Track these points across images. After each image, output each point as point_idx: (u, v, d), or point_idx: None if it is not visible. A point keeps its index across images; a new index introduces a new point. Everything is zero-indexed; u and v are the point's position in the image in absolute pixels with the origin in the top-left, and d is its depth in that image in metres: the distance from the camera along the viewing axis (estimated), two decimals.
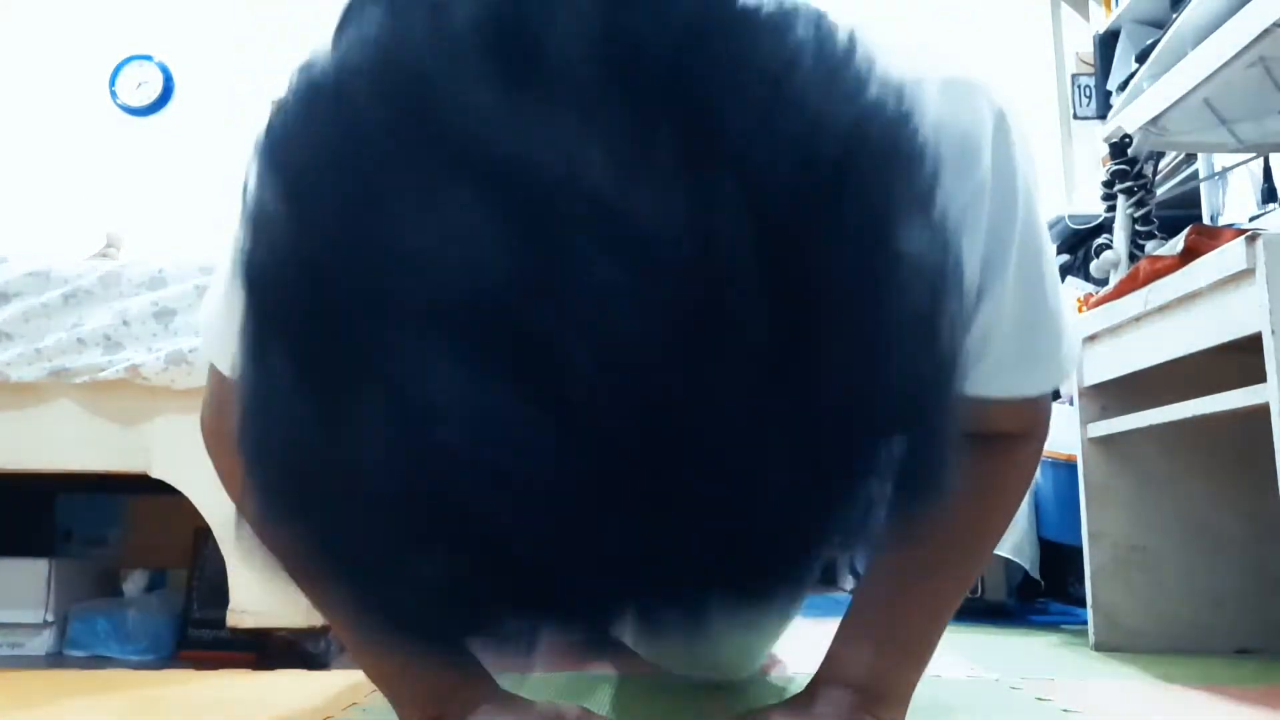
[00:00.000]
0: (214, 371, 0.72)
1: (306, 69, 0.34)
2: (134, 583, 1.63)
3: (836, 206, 0.33)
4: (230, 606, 1.31)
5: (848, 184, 0.33)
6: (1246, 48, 1.37)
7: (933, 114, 0.44)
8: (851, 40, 0.35)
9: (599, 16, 0.32)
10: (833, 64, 0.34)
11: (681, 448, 0.32)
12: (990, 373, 0.65)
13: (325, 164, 0.33)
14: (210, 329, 0.70)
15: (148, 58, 3.86)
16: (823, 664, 0.71)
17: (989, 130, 0.60)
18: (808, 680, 0.71)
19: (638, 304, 0.31)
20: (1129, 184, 1.76)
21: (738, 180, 0.31)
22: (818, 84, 0.33)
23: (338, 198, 0.32)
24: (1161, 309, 1.32)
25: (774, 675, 1.23)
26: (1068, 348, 0.69)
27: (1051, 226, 3.14)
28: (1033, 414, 0.74)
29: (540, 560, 0.33)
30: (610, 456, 0.32)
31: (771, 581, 0.38)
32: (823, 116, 0.33)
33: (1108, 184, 1.81)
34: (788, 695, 0.71)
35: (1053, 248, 0.69)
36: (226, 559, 1.33)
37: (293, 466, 0.35)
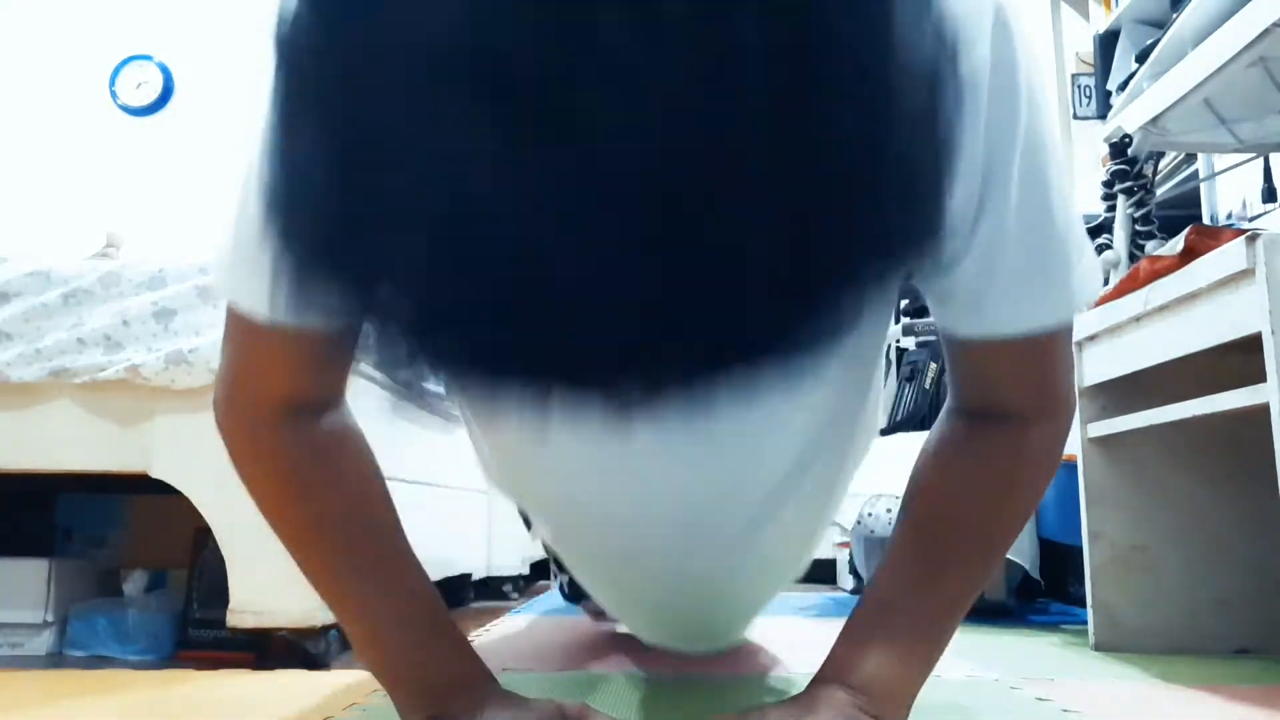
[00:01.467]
0: (234, 322, 0.69)
1: None
2: (134, 583, 1.63)
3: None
4: (230, 606, 1.31)
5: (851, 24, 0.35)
6: (1246, 48, 1.37)
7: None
8: None
9: None
10: None
11: (688, 199, 0.34)
12: (994, 302, 0.62)
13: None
14: (227, 266, 0.67)
15: (148, 58, 3.86)
16: (825, 664, 0.70)
17: (989, 19, 0.56)
18: (808, 680, 0.71)
19: (650, 62, 0.33)
20: (1129, 184, 1.76)
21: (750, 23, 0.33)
22: None
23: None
24: (1161, 309, 1.32)
25: (774, 675, 1.23)
26: (1082, 273, 0.63)
27: None
28: (1049, 378, 0.69)
29: (551, 305, 0.36)
30: (619, 206, 0.34)
31: (766, 351, 0.39)
32: None
33: (1108, 184, 1.82)
34: (788, 696, 0.71)
35: (1062, 158, 0.63)
36: (226, 559, 1.33)
37: (329, 219, 0.38)
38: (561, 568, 1.53)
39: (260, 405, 0.72)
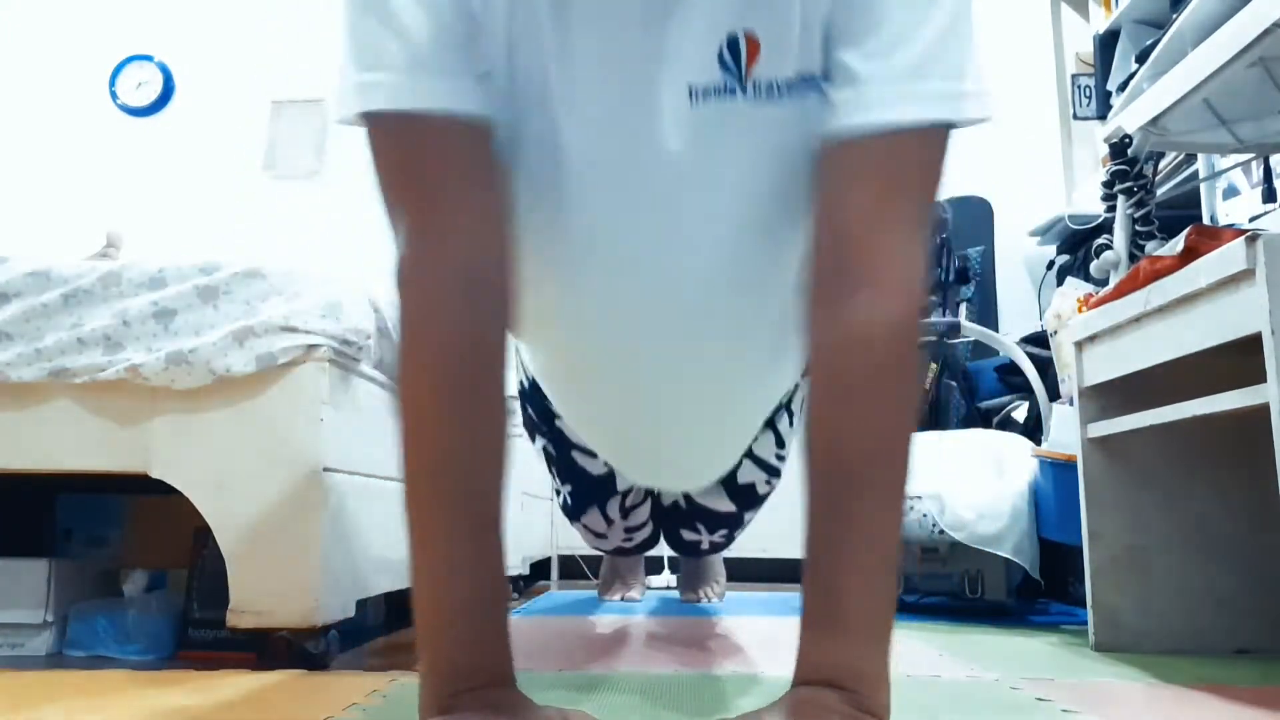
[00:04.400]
0: (400, 147, 0.74)
1: None
2: (134, 583, 1.63)
3: None
4: (230, 606, 1.31)
5: None
6: (1246, 48, 1.37)
7: None
8: None
9: None
10: None
11: None
12: (882, 79, 0.68)
13: None
14: (369, 84, 0.72)
15: (148, 58, 3.86)
16: (799, 663, 0.72)
17: None
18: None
19: None
20: (1129, 184, 1.76)
21: None
22: None
23: None
24: (1161, 309, 1.32)
25: (774, 675, 1.23)
26: (967, 89, 0.68)
27: (1051, 226, 3.14)
28: (901, 200, 0.72)
29: None
30: None
31: None
32: None
33: (1108, 184, 1.81)
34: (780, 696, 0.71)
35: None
36: (226, 559, 1.33)
37: None
38: (559, 475, 1.59)
39: (447, 261, 0.74)
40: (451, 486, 0.74)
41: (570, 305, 1.00)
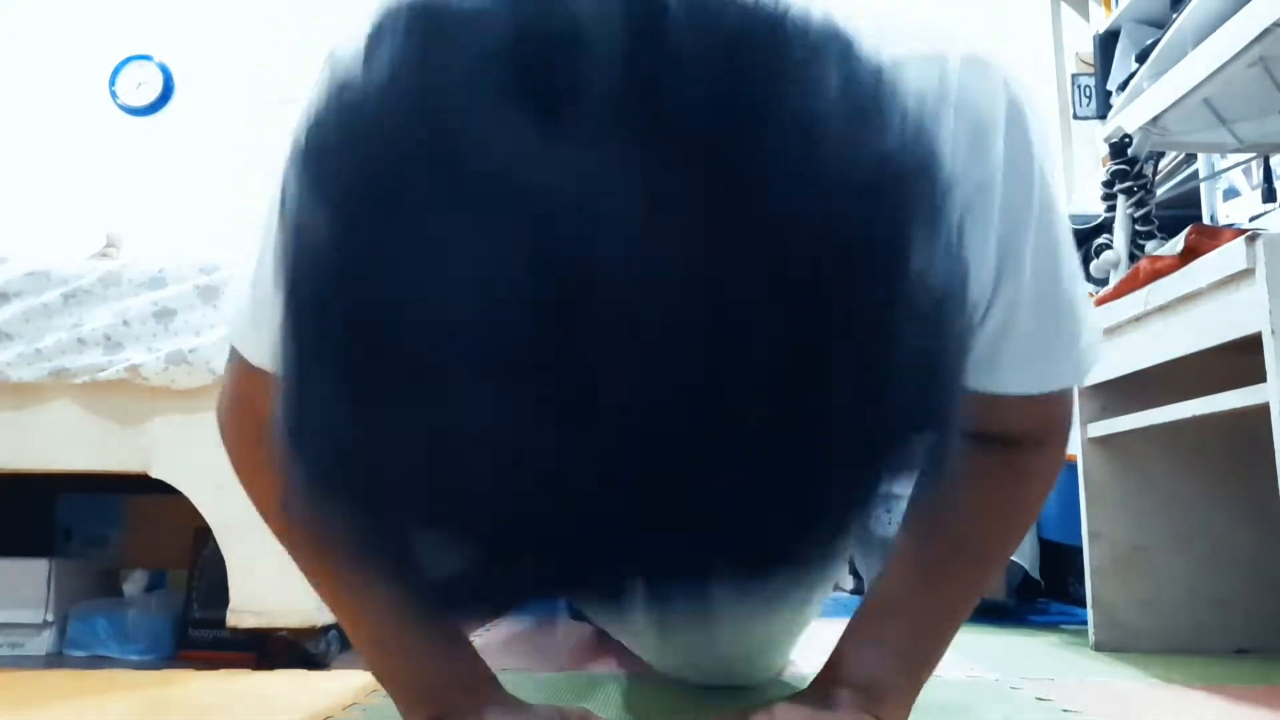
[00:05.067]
0: (238, 362, 0.72)
1: (339, 87, 0.36)
2: (134, 583, 1.63)
3: (858, 240, 0.34)
4: (230, 606, 1.31)
5: (870, 219, 0.34)
6: (1246, 48, 1.37)
7: (952, 94, 0.44)
8: (878, 69, 0.36)
9: (626, 50, 0.33)
10: (859, 94, 0.35)
11: (693, 443, 0.33)
12: (1007, 366, 0.65)
13: (362, 182, 0.34)
14: (238, 318, 0.70)
15: (148, 58, 3.86)
16: (827, 664, 0.71)
17: (1003, 112, 0.59)
18: (810, 679, 0.71)
19: (656, 323, 0.32)
20: (1129, 184, 1.76)
21: (762, 209, 0.32)
22: (844, 117, 0.34)
23: (373, 214, 0.34)
24: (1161, 309, 1.32)
25: (785, 676, 1.23)
26: (1087, 341, 0.67)
27: None
28: (1052, 415, 0.73)
29: (554, 539, 0.35)
30: (625, 451, 0.33)
31: (769, 564, 0.39)
32: (848, 154, 0.34)
33: (1108, 184, 1.81)
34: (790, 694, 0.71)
35: (1071, 239, 0.67)
36: (226, 559, 1.33)
37: (331, 453, 0.37)
38: None
39: (261, 420, 0.73)
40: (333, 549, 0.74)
41: None
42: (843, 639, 0.72)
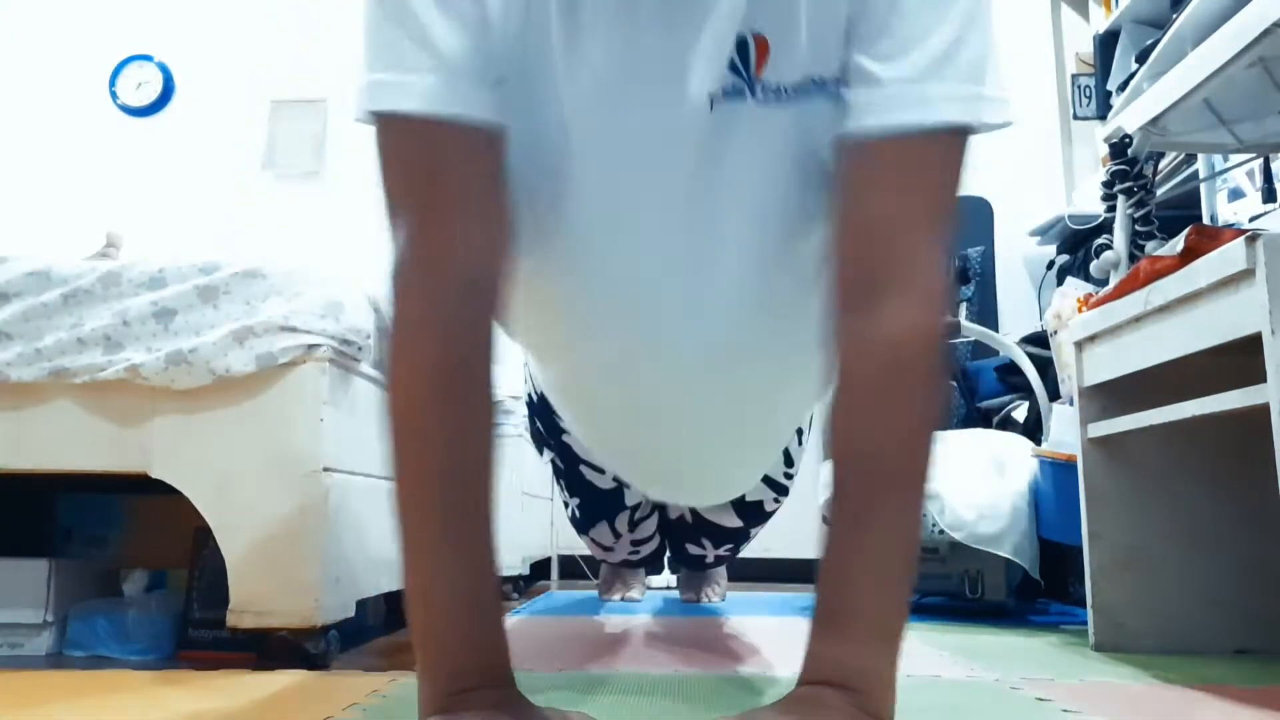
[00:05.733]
0: (410, 149, 0.74)
1: None
2: (134, 583, 1.63)
3: None
4: (230, 606, 1.31)
5: None
6: (1246, 48, 1.37)
7: None
8: None
9: None
10: None
11: None
12: (901, 78, 0.68)
13: None
14: (383, 84, 0.72)
15: (148, 58, 3.86)
16: (806, 662, 0.71)
17: None
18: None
19: None
20: (1129, 184, 1.76)
21: None
22: None
23: None
24: (1161, 309, 1.32)
25: (774, 675, 1.23)
26: (994, 89, 0.68)
27: (1051, 226, 3.14)
28: (925, 217, 0.72)
29: None
30: None
31: None
32: None
33: (1108, 184, 1.81)
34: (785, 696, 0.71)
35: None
36: (226, 559, 1.33)
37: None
38: (566, 488, 1.59)
39: (446, 268, 0.74)
40: (440, 490, 0.74)
41: (583, 329, 0.98)
42: (814, 633, 0.72)
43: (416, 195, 0.75)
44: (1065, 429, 1.81)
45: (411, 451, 0.74)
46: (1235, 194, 2.35)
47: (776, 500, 1.58)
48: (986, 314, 3.13)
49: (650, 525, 1.73)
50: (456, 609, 0.73)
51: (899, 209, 0.72)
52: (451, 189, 0.74)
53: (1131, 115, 1.72)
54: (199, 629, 1.50)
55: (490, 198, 0.76)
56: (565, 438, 1.46)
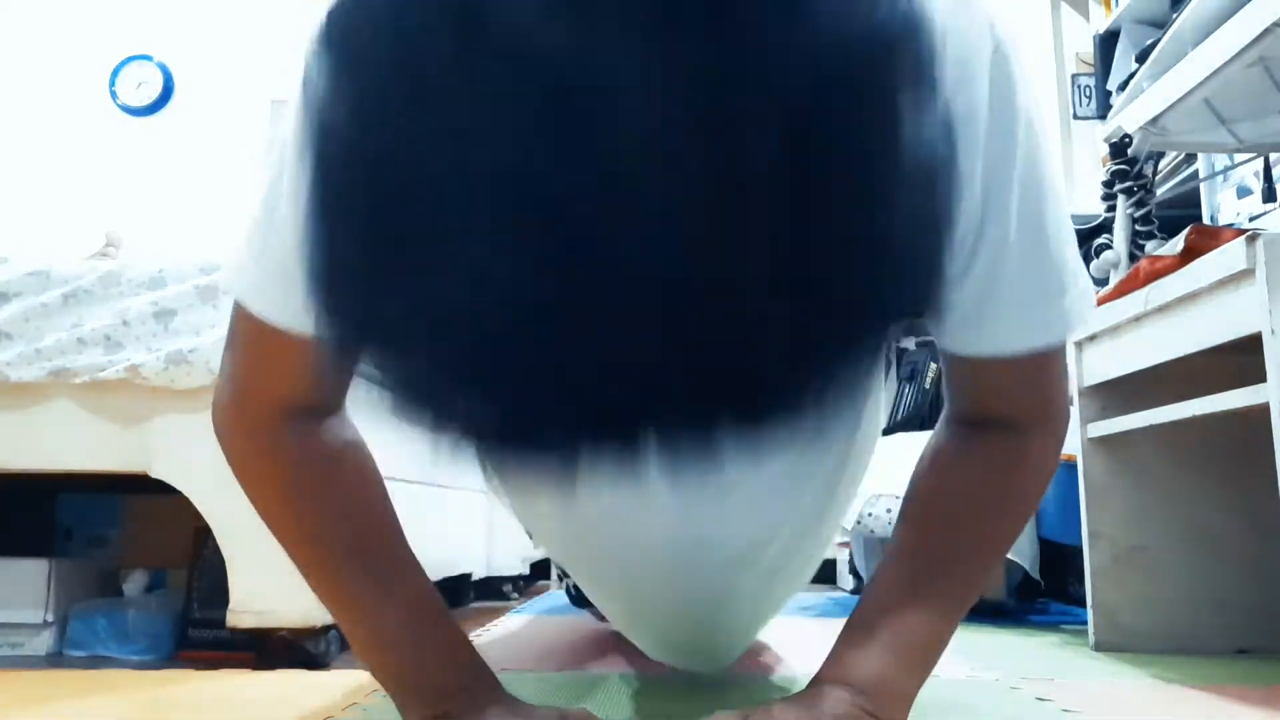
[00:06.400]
0: (243, 320, 0.70)
1: None
2: (134, 583, 1.63)
3: (850, 100, 0.39)
4: (230, 606, 1.31)
5: (862, 80, 0.39)
6: (1246, 48, 1.37)
7: (939, 21, 0.48)
8: None
9: None
10: None
11: (698, 294, 0.38)
12: (995, 319, 0.64)
13: (386, 56, 0.39)
14: (242, 267, 0.69)
15: (148, 58, 3.86)
16: (825, 663, 0.70)
17: (989, 48, 0.58)
18: (809, 679, 0.71)
19: (661, 180, 0.36)
20: (1129, 184, 1.76)
21: (760, 74, 0.37)
22: None
23: (398, 84, 0.39)
24: (1161, 309, 1.32)
25: (774, 675, 1.23)
26: (1076, 295, 0.66)
27: None
28: (1046, 389, 0.71)
29: (572, 381, 0.40)
30: (632, 298, 0.38)
31: (770, 411, 0.43)
32: (842, 21, 0.39)
33: (1108, 184, 1.81)
34: (789, 695, 0.71)
35: (1060, 189, 0.66)
36: (226, 559, 1.33)
37: (365, 309, 0.42)
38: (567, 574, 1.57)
39: (262, 408, 0.72)
40: (343, 554, 0.73)
41: (581, 544, 0.94)
42: (840, 639, 0.71)
43: (251, 360, 0.73)
44: None
45: (289, 540, 0.74)
46: (1244, 191, 2.35)
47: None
48: None
49: None
50: (418, 638, 0.72)
51: (1020, 408, 0.71)
52: (285, 370, 0.71)
53: (1131, 115, 1.73)
54: (199, 629, 1.50)
55: (324, 377, 0.72)
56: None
